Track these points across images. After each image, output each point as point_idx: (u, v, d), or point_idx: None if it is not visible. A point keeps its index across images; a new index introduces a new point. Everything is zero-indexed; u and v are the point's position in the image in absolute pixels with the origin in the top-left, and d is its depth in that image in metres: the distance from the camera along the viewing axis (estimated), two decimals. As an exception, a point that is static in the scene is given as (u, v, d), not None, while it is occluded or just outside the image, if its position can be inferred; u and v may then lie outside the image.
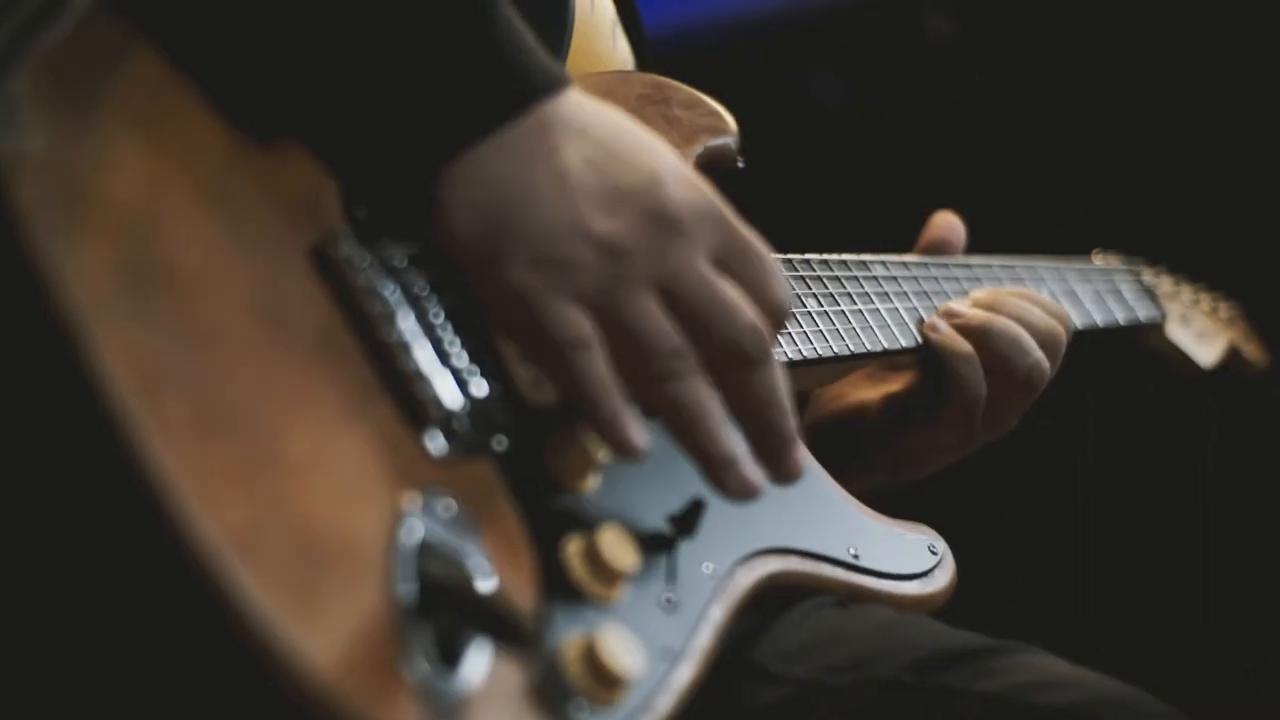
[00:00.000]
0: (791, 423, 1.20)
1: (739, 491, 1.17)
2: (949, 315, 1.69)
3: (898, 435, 1.68)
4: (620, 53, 1.65)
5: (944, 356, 1.65)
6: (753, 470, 1.18)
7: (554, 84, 1.13)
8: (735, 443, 1.17)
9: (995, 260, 1.94)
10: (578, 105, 1.14)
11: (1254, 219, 3.22)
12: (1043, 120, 3.32)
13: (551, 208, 1.11)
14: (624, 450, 1.13)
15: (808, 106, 3.53)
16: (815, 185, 3.31)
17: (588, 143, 1.13)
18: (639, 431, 1.13)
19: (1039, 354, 1.67)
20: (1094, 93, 3.29)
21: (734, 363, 1.16)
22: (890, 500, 1.52)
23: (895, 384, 1.70)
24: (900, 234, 1.91)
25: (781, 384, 1.19)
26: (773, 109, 3.29)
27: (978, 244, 1.96)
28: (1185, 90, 3.25)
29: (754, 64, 3.45)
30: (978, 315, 1.68)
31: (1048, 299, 1.79)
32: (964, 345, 1.65)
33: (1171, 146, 3.28)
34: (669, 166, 1.16)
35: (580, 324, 1.11)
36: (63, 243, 0.94)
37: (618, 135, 1.15)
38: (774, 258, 1.21)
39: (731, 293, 1.16)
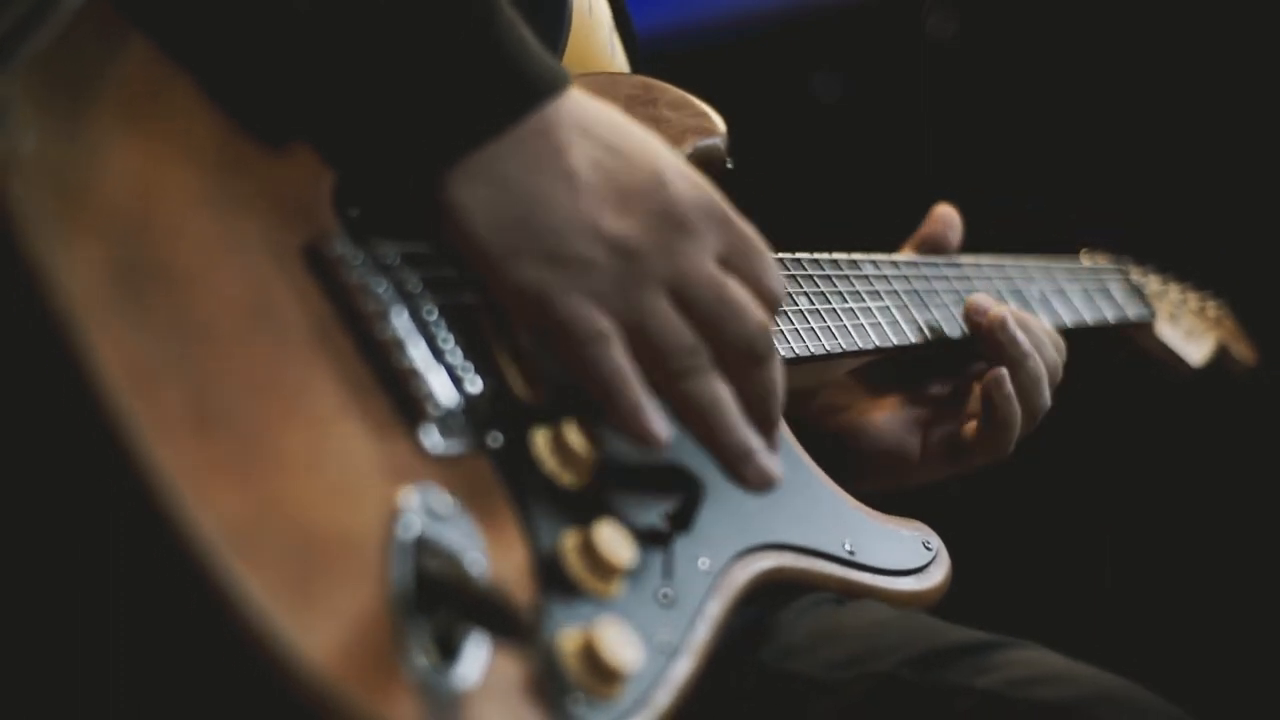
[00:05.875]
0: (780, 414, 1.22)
1: (758, 482, 1.19)
2: (977, 311, 1.73)
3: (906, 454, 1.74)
4: (618, 56, 1.66)
5: (997, 347, 1.71)
6: (770, 461, 1.19)
7: (556, 85, 1.14)
8: (751, 435, 1.18)
9: (985, 259, 1.95)
10: (579, 104, 1.15)
11: (1239, 218, 3.23)
12: (1036, 120, 3.33)
13: (563, 207, 1.12)
14: (647, 440, 1.14)
15: (808, 105, 3.54)
16: (814, 183, 3.32)
17: (591, 142, 1.14)
18: (660, 422, 1.14)
19: (1049, 398, 1.74)
20: (1086, 93, 3.30)
21: (744, 360, 1.18)
22: (885, 497, 1.52)
23: (896, 400, 1.75)
24: (898, 231, 1.92)
25: (782, 378, 1.21)
26: (773, 107, 3.30)
27: (969, 243, 1.97)
28: (1177, 92, 3.26)
29: (754, 63, 3.46)
30: (1021, 341, 1.72)
31: (1055, 334, 1.82)
32: (1023, 342, 1.72)
33: (1160, 146, 3.29)
34: (671, 165, 1.18)
35: (598, 318, 1.12)
36: (55, 241, 0.94)
37: (619, 134, 1.16)
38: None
39: (740, 292, 1.17)
